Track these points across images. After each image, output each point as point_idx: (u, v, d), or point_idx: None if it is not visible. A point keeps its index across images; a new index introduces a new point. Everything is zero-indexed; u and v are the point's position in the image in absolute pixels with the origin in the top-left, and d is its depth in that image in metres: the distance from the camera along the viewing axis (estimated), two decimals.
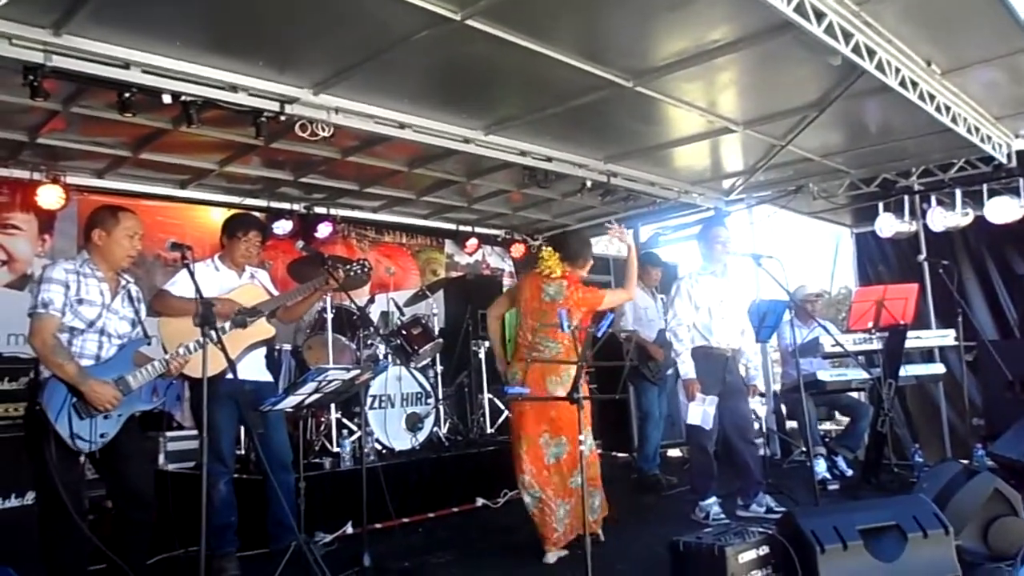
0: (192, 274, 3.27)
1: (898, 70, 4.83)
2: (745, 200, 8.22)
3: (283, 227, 7.21)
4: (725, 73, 5.03)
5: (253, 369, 4.34)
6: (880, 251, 8.79)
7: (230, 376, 3.92)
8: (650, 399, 6.26)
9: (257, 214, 6.11)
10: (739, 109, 5.75)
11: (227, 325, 3.82)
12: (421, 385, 6.07)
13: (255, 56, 4.28)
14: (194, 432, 5.96)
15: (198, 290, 3.20)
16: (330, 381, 3.45)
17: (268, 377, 4.51)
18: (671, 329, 5.04)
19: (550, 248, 4.47)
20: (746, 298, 5.50)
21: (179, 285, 4.17)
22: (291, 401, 3.44)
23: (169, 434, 5.74)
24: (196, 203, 7.00)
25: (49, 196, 5.93)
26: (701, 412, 4.87)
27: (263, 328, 4.25)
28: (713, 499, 5.05)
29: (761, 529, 3.07)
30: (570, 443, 4.22)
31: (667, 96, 5.25)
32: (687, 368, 4.92)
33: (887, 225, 7.55)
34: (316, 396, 3.54)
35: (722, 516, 4.95)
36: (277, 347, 6.05)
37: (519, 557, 4.42)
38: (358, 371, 3.57)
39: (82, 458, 3.24)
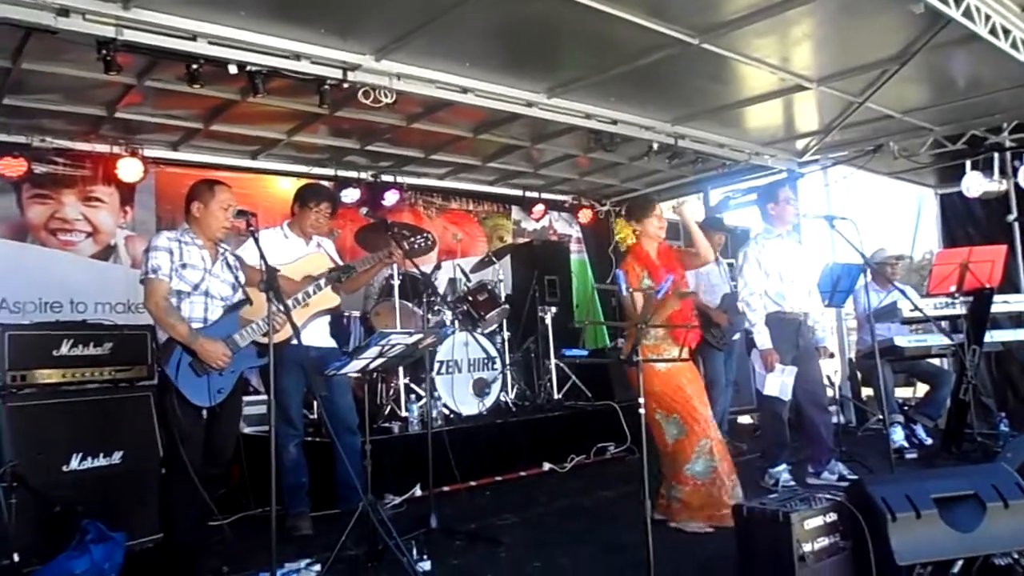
0: (257, 241, 3.36)
1: (988, 17, 4.53)
2: (820, 161, 7.90)
3: (351, 195, 7.31)
4: (798, 26, 4.80)
5: (318, 336, 4.45)
6: (967, 212, 8.33)
7: (296, 343, 4.11)
8: (715, 365, 6.15)
9: (325, 183, 6.22)
10: (814, 65, 5.50)
11: (311, 289, 3.93)
12: (485, 350, 6.10)
13: (317, 23, 4.31)
14: (266, 397, 6.19)
15: (263, 256, 3.28)
16: (393, 345, 3.50)
17: (332, 344, 4.64)
18: (743, 300, 4.90)
19: (620, 217, 4.40)
20: (817, 261, 5.32)
21: (248, 252, 4.30)
22: (355, 365, 3.51)
23: (246, 399, 5.93)
24: (266, 173, 7.16)
25: (129, 169, 6.16)
26: (779, 383, 4.74)
27: (328, 297, 4.34)
28: (783, 466, 4.95)
29: (829, 496, 2.98)
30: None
31: (736, 53, 5.05)
32: (763, 338, 4.78)
33: (975, 184, 7.15)
34: (380, 360, 3.59)
35: (792, 483, 4.85)
36: (346, 314, 6.19)
37: (585, 520, 4.44)
38: (421, 335, 3.60)
39: (204, 413, 3.43)
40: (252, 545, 3.84)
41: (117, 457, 4.02)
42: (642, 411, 2.80)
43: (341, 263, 4.49)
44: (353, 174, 7.53)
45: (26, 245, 5.90)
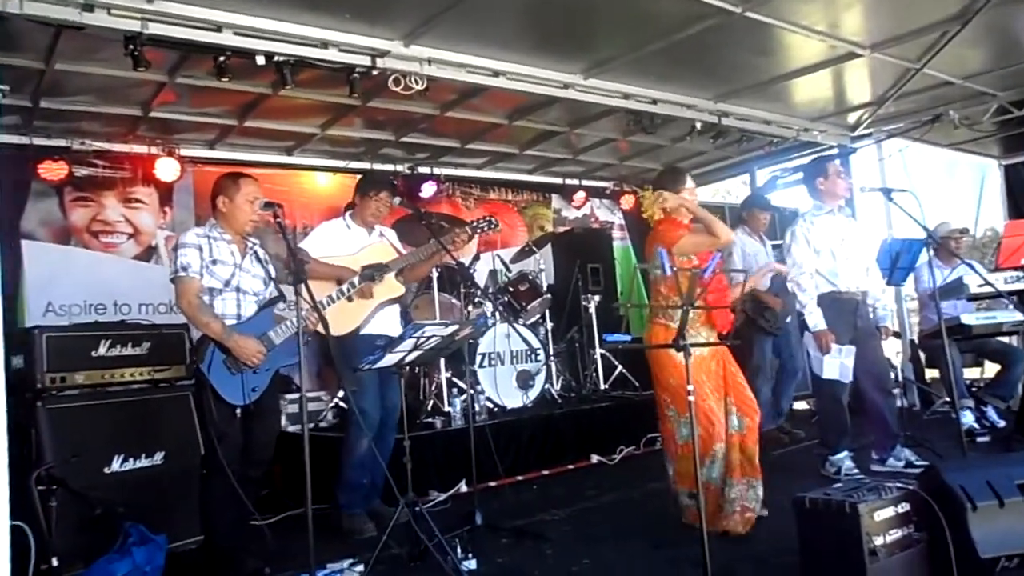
0: (284, 232, 3.25)
1: None
2: (874, 135, 7.55)
3: None
4: None
5: (389, 326, 4.35)
6: None
7: (367, 332, 4.03)
8: (763, 351, 5.89)
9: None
10: (865, 29, 5.22)
11: (345, 288, 3.85)
12: (527, 341, 5.93)
13: (343, 8, 4.21)
14: (315, 394, 6.14)
15: (290, 248, 3.20)
16: (428, 337, 3.37)
17: None
18: (793, 279, 4.64)
19: (646, 188, 4.09)
20: (875, 237, 5.03)
21: (313, 244, 4.26)
22: (390, 359, 3.39)
23: (288, 396, 5.89)
24: (302, 168, 7.10)
25: (167, 168, 6.15)
26: (839, 365, 4.47)
27: (392, 286, 4.28)
28: (845, 453, 4.69)
29: (900, 484, 2.75)
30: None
31: (782, 20, 4.81)
32: (816, 319, 4.52)
33: None
34: (416, 353, 3.46)
35: (855, 471, 4.60)
36: None
37: (634, 514, 4.27)
38: (457, 326, 3.46)
39: (238, 412, 3.37)
40: (294, 544, 3.75)
41: (159, 458, 3.98)
42: (691, 397, 2.62)
43: (403, 252, 4.40)
44: (390, 167, 7.43)
45: (70, 248, 5.93)
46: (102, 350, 3.92)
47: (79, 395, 3.82)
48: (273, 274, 3.67)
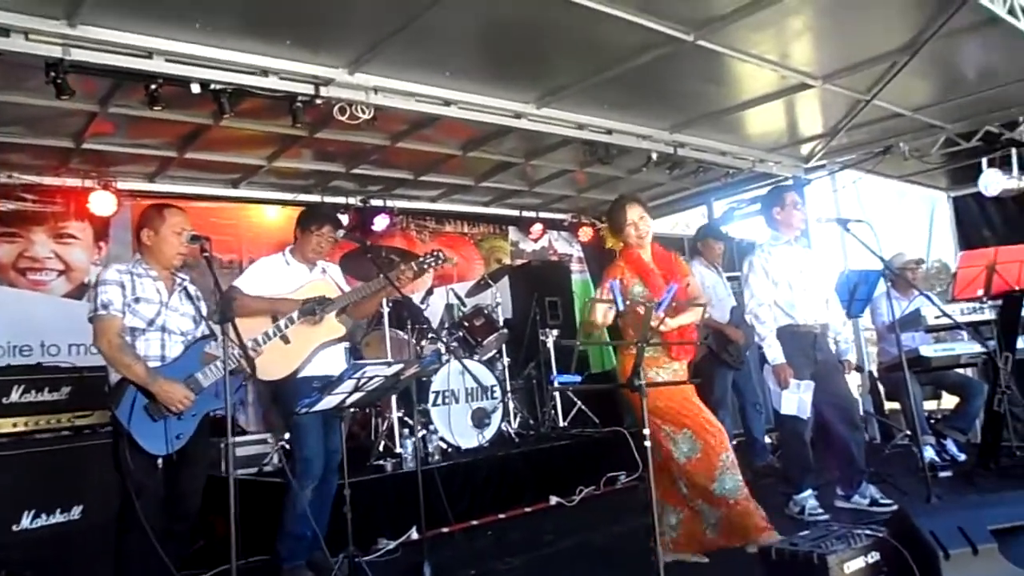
0: (212, 268, 3.03)
1: None
2: (827, 166, 7.56)
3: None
4: (798, 17, 4.49)
5: (331, 366, 4.06)
6: (983, 214, 8.01)
7: (305, 374, 3.77)
8: (724, 385, 5.79)
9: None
10: (816, 60, 5.18)
11: (282, 323, 3.61)
12: (477, 380, 5.68)
13: (283, 35, 4.02)
14: (260, 436, 5.83)
15: (217, 284, 2.97)
16: (370, 378, 3.15)
17: None
18: (751, 311, 4.53)
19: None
20: (831, 268, 4.95)
21: (248, 281, 4.01)
22: (329, 401, 3.16)
23: (237, 439, 5.58)
24: (249, 202, 6.86)
25: (101, 203, 5.86)
26: (797, 400, 4.35)
27: (332, 327, 4.02)
28: (809, 491, 4.54)
29: (869, 531, 2.60)
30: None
31: (733, 50, 4.75)
32: (775, 352, 4.40)
33: (993, 182, 6.77)
34: (358, 395, 3.24)
35: (819, 510, 4.45)
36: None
37: (594, 561, 4.05)
38: (401, 366, 3.25)
39: (159, 462, 3.10)
40: None
41: (76, 512, 3.69)
42: (647, 442, 2.44)
43: (347, 289, 4.18)
44: (341, 200, 7.22)
45: None
46: (14, 396, 3.65)
47: None
48: (204, 311, 3.42)
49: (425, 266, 4.09)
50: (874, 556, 2.51)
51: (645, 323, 2.44)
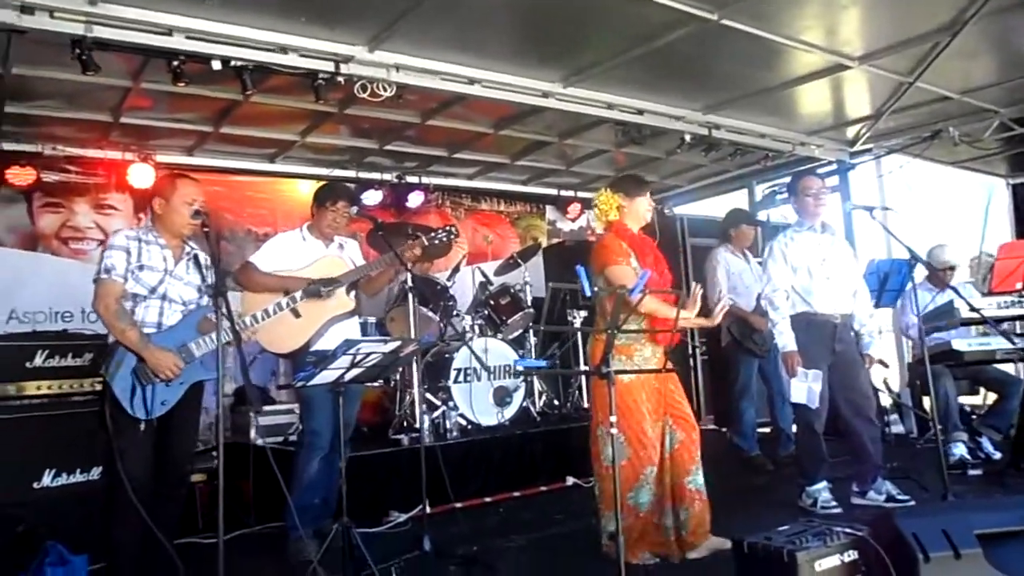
0: (212, 242, 3.10)
1: None
2: (873, 150, 7.30)
3: (372, 197, 7.07)
4: None
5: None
6: None
7: (317, 347, 3.85)
8: (749, 373, 5.69)
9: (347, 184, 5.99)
10: (853, 40, 5.00)
11: (283, 302, 3.68)
12: (481, 362, 5.64)
13: (298, 12, 4.05)
14: (287, 407, 5.98)
15: (216, 260, 3.04)
16: (367, 355, 3.20)
17: None
18: (766, 296, 4.45)
19: (603, 190, 3.83)
20: (863, 258, 4.80)
21: (264, 257, 4.10)
22: (325, 376, 3.21)
23: (266, 408, 5.76)
24: (284, 176, 6.99)
25: (140, 175, 6.03)
26: (805, 389, 4.27)
27: (342, 301, 4.10)
28: (823, 484, 4.45)
29: (848, 530, 2.53)
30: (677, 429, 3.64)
31: (763, 29, 4.61)
32: (785, 339, 4.32)
33: None
34: (356, 371, 3.29)
35: (832, 503, 4.37)
36: (362, 319, 5.94)
37: (598, 543, 4.03)
38: (398, 343, 3.29)
39: (141, 426, 3.16)
40: (241, 566, 3.61)
41: (96, 473, 3.84)
42: (613, 431, 2.41)
43: (360, 264, 4.24)
44: (376, 175, 7.29)
45: (37, 255, 5.85)
46: (38, 360, 3.81)
47: (11, 407, 3.69)
48: (210, 281, 3.49)
49: (436, 241, 4.11)
50: (851, 555, 2.45)
51: (616, 310, 2.41)
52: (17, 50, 4.18)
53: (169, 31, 3.94)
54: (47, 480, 3.68)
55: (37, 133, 5.69)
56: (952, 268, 5.73)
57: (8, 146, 5.63)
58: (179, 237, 3.40)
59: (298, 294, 3.78)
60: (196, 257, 3.47)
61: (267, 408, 5.84)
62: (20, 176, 5.60)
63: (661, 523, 3.49)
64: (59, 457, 3.72)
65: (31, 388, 3.77)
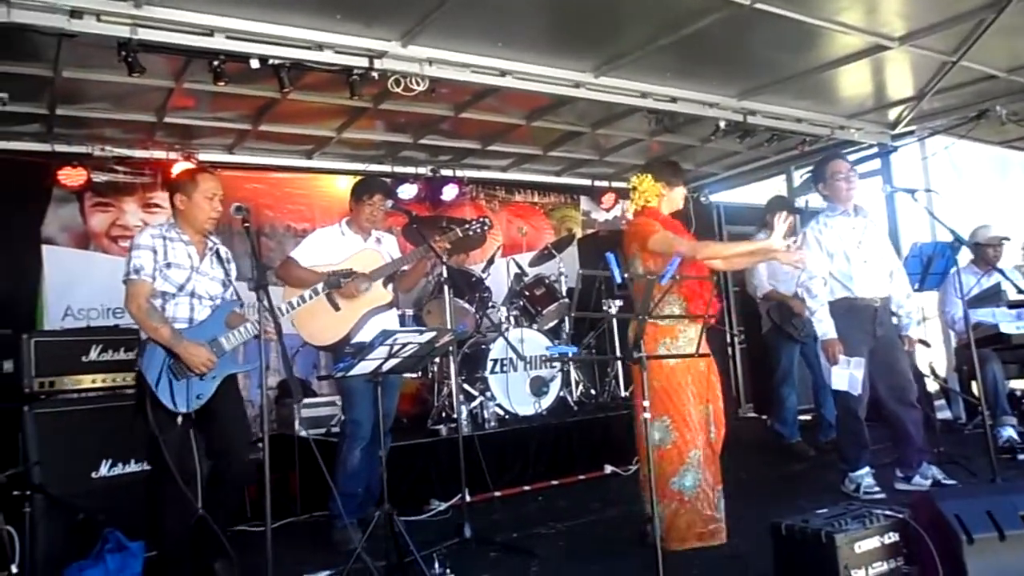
0: (251, 238, 3.17)
1: None
2: (916, 132, 7.14)
3: (407, 191, 7.14)
4: None
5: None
6: None
7: (357, 340, 3.94)
8: (791, 359, 5.65)
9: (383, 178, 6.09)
10: (893, 20, 4.89)
11: (306, 294, 3.76)
12: (517, 352, 5.66)
13: (334, 9, 4.12)
14: (329, 399, 6.09)
15: (255, 254, 3.11)
16: (404, 345, 3.26)
17: None
18: (802, 284, 4.41)
19: (640, 174, 3.88)
20: (906, 241, 4.73)
21: (304, 252, 4.20)
22: (364, 367, 3.28)
23: (307, 401, 5.87)
24: (321, 172, 7.09)
25: None
26: (847, 376, 4.22)
27: (380, 294, 4.19)
28: (866, 469, 4.42)
29: (889, 512, 2.52)
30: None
31: (797, 12, 4.54)
32: (825, 327, 4.28)
33: None
34: (394, 361, 3.35)
35: (876, 489, 4.34)
36: (400, 311, 6.03)
37: (634, 530, 4.06)
38: (434, 333, 3.34)
39: (179, 419, 3.27)
40: (288, 553, 3.71)
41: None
42: (646, 415, 2.43)
43: (396, 257, 4.33)
44: (411, 169, 7.37)
45: (89, 253, 6.03)
46: (93, 355, 3.94)
47: (68, 400, 3.83)
48: (234, 275, 3.58)
49: (471, 232, 4.16)
50: (892, 537, 2.44)
51: (646, 296, 2.42)
52: (67, 54, 4.34)
53: (210, 31, 4.04)
54: (104, 470, 3.81)
55: (87, 135, 5.85)
56: (1002, 243, 5.60)
57: (60, 148, 5.81)
58: (202, 232, 3.47)
59: (319, 286, 3.84)
60: (218, 252, 3.54)
61: (309, 400, 5.94)
62: (72, 177, 5.78)
63: (712, 513, 3.51)
64: (115, 447, 3.83)
65: (87, 381, 3.91)
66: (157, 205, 6.29)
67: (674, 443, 3.51)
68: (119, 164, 6.15)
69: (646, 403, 2.46)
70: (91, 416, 3.88)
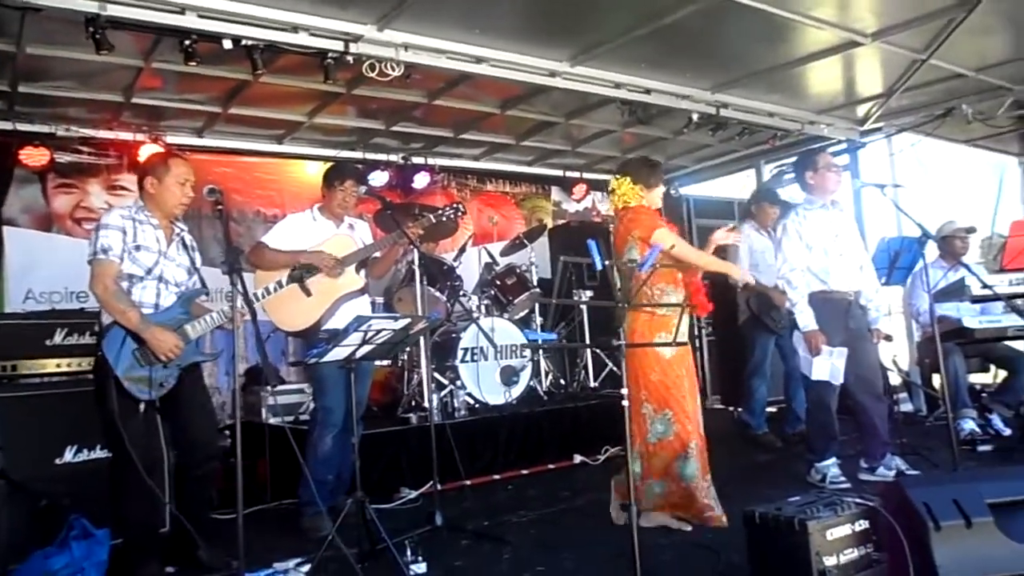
0: (224, 221, 3.11)
1: None
2: (884, 129, 7.26)
3: (379, 178, 7.08)
4: None
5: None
6: None
7: (329, 326, 3.90)
8: (765, 350, 5.71)
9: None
10: (866, 17, 4.96)
11: (271, 286, 3.71)
12: (490, 340, 5.65)
13: None
14: (298, 386, 6.03)
15: (227, 236, 3.05)
16: (378, 331, 3.23)
17: None
18: (782, 276, 4.45)
19: (619, 176, 3.91)
20: (873, 236, 4.80)
21: (275, 237, 4.15)
22: (338, 353, 3.24)
23: (275, 388, 5.80)
24: (292, 157, 7.01)
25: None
26: (829, 366, 4.27)
27: (352, 279, 4.16)
28: (832, 460, 4.49)
29: (859, 500, 2.56)
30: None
31: (773, 5, 4.58)
32: (806, 319, 4.32)
33: None
34: (368, 347, 3.32)
35: (841, 479, 4.40)
36: (371, 299, 5.98)
37: (603, 517, 4.08)
38: (408, 320, 3.32)
39: (142, 406, 3.21)
40: (257, 541, 3.65)
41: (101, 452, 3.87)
42: (625, 403, 2.44)
43: (368, 243, 4.30)
44: (382, 156, 7.31)
45: (52, 235, 5.90)
46: (58, 338, 3.85)
47: (32, 384, 3.74)
48: (199, 263, 3.50)
49: (443, 218, 4.14)
50: (862, 524, 2.48)
51: (624, 285, 2.43)
52: (31, 29, 4.23)
53: (182, 9, 3.96)
54: (69, 456, 3.72)
55: (50, 114, 5.72)
56: (969, 233, 5.72)
57: (22, 127, 5.66)
58: (171, 217, 3.41)
59: (283, 279, 3.78)
60: (183, 238, 3.48)
61: (278, 388, 5.89)
62: (34, 157, 5.64)
63: (708, 501, 3.61)
64: (80, 433, 3.75)
65: (51, 365, 3.82)
66: (123, 187, 6.17)
67: (676, 434, 3.59)
68: (84, 145, 6.02)
69: (624, 391, 2.46)
70: (56, 401, 3.79)
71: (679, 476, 3.57)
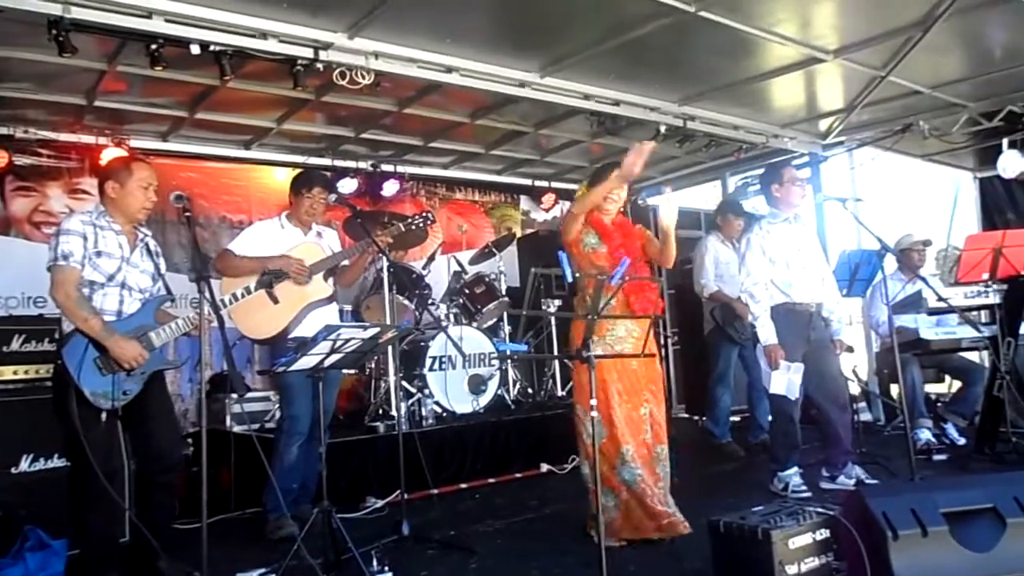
0: (191, 228, 3.08)
1: None
2: (845, 143, 7.42)
3: (347, 185, 7.05)
4: None
5: (320, 327, 4.18)
6: (1009, 197, 7.81)
7: (296, 334, 3.86)
8: (728, 360, 5.79)
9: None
10: (828, 34, 5.09)
11: (239, 292, 3.67)
12: (458, 348, 5.61)
13: None
14: (263, 394, 5.96)
15: (195, 244, 3.03)
16: (347, 340, 3.22)
17: None
18: (745, 289, 4.52)
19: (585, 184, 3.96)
20: (833, 249, 4.90)
21: (242, 245, 4.11)
22: (306, 362, 3.23)
23: (236, 396, 5.72)
24: (259, 163, 6.95)
25: None
26: (786, 381, 4.35)
27: (321, 287, 4.14)
28: (794, 469, 4.56)
29: (820, 509, 2.62)
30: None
31: (740, 23, 4.67)
32: (767, 333, 4.39)
33: (1012, 164, 6.63)
34: (336, 356, 3.31)
35: (803, 488, 4.47)
36: (339, 307, 5.94)
37: (571, 526, 4.10)
38: (377, 329, 3.31)
39: (103, 415, 3.14)
40: (219, 551, 3.59)
41: (58, 461, 3.79)
42: (594, 414, 2.47)
43: (336, 251, 4.27)
44: (351, 164, 7.28)
45: (9, 239, 5.77)
46: (15, 345, 3.77)
47: None
48: (163, 269, 3.44)
49: (413, 227, 4.14)
50: (823, 533, 2.54)
51: (595, 296, 2.46)
52: None
53: (149, 14, 3.91)
54: (24, 465, 3.65)
55: (9, 115, 5.60)
56: (926, 243, 5.88)
57: None
58: (133, 222, 3.35)
59: (251, 285, 3.72)
60: (148, 244, 3.42)
61: (245, 395, 5.82)
62: None
63: (663, 508, 3.58)
64: (36, 441, 3.67)
65: (8, 373, 3.73)
66: (84, 191, 6.06)
67: (607, 438, 3.58)
68: (43, 147, 5.91)
69: (593, 402, 2.49)
70: (12, 408, 3.72)
71: (622, 483, 3.57)
